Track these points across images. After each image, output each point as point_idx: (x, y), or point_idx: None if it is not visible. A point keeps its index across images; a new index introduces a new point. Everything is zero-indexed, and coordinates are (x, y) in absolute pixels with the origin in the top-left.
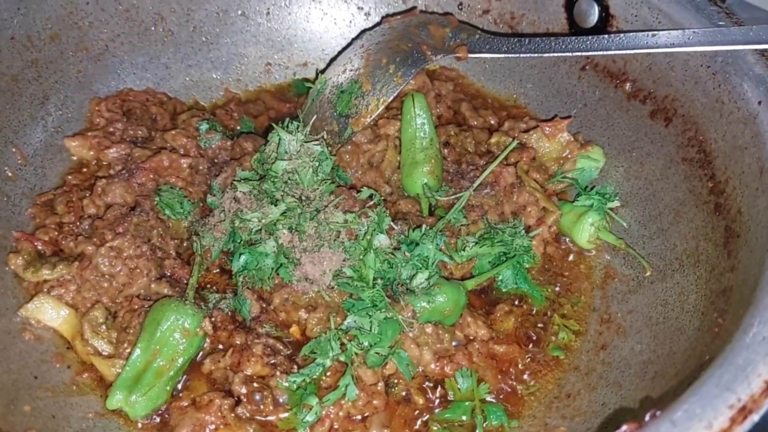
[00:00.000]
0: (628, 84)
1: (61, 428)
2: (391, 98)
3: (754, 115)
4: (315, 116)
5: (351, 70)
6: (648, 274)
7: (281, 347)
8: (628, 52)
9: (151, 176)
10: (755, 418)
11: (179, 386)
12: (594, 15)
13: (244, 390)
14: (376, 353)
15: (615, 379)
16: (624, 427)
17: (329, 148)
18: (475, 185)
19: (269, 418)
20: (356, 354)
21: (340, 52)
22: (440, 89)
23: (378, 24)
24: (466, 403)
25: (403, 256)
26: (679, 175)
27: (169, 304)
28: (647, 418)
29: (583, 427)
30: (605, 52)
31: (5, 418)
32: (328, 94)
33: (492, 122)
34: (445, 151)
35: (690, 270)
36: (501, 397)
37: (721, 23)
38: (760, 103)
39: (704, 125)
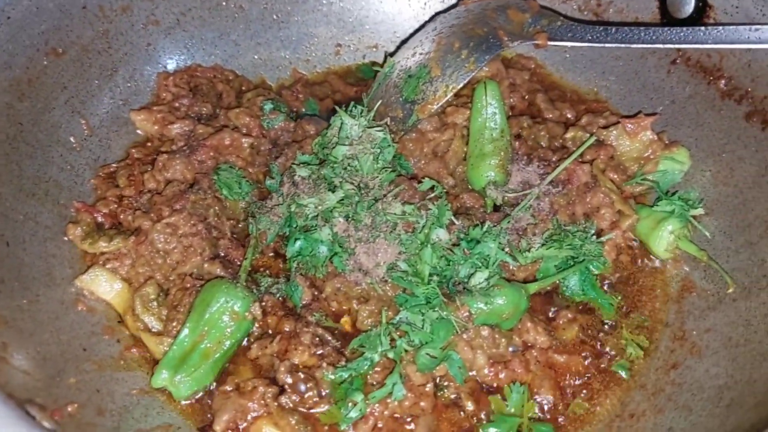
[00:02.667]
0: (723, 81)
1: (105, 403)
2: (461, 85)
3: None
4: (380, 101)
5: (421, 54)
6: (731, 290)
7: (330, 338)
8: (728, 46)
9: (212, 154)
10: None
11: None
12: (689, 5)
13: (289, 379)
14: (427, 354)
15: (685, 403)
16: None
17: (392, 135)
18: (545, 182)
19: (312, 410)
20: (406, 351)
21: (411, 35)
22: (515, 78)
23: (453, 6)
24: (514, 419)
25: (463, 254)
26: None
27: (220, 285)
28: None
29: None
30: (701, 46)
31: (49, 390)
32: (395, 79)
33: (569, 116)
34: (516, 143)
35: None
36: (559, 409)
37: None
38: None
39: None
